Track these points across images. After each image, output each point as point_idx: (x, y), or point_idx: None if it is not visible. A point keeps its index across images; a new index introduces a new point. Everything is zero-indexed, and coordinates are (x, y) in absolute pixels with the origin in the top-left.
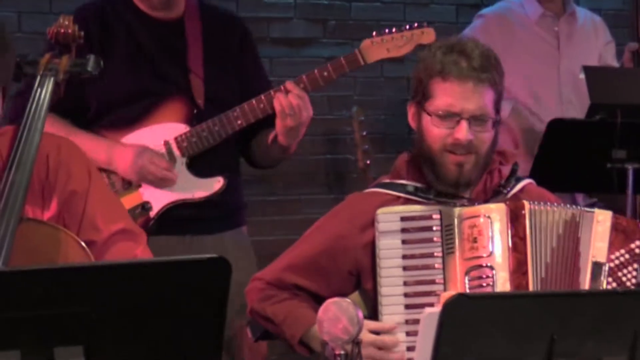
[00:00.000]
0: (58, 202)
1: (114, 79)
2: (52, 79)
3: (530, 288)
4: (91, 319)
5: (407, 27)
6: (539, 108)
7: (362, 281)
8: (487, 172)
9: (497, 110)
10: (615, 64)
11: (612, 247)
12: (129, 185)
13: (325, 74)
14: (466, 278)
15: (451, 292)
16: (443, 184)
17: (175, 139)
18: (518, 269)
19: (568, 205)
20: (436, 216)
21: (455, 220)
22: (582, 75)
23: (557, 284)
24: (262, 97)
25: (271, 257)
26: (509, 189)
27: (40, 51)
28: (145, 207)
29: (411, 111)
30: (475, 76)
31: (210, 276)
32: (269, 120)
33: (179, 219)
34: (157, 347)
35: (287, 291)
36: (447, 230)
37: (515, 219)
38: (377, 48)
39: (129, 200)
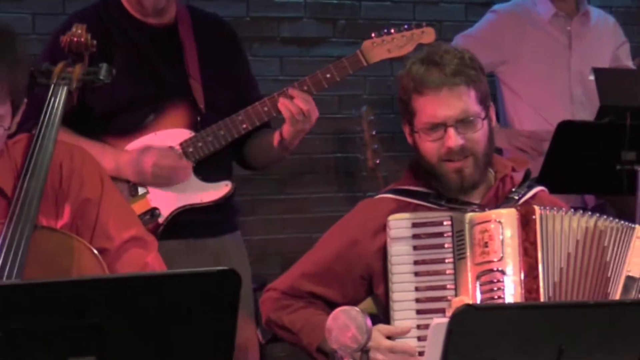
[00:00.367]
0: (71, 209)
1: (116, 85)
2: (65, 88)
3: (541, 292)
4: (103, 330)
5: (406, 26)
6: (549, 108)
7: (373, 286)
8: (500, 179)
9: (486, 105)
10: (630, 64)
11: None
12: (136, 193)
13: (329, 75)
14: (477, 283)
15: (462, 297)
16: (450, 192)
17: (181, 144)
18: (529, 273)
19: (590, 213)
20: (447, 222)
21: (467, 226)
22: (591, 77)
23: (573, 289)
24: (267, 100)
25: (280, 255)
26: (520, 195)
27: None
28: (154, 213)
29: (406, 131)
30: (448, 82)
31: (221, 288)
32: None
33: (184, 224)
34: (168, 358)
35: (302, 300)
36: (458, 236)
37: (526, 223)
38: (378, 49)
39: (137, 208)
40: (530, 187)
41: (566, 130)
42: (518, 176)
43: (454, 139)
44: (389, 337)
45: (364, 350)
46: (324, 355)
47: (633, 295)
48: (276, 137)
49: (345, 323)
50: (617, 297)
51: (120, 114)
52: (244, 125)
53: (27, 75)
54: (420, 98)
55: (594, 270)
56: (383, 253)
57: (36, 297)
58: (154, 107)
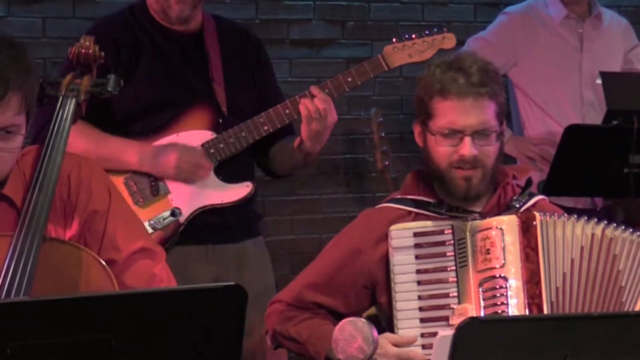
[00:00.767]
0: (79, 221)
1: (141, 88)
2: (73, 100)
3: (544, 297)
4: (111, 345)
5: (427, 32)
6: (559, 110)
7: (376, 295)
8: (501, 186)
9: (501, 121)
10: None
11: None
12: (157, 192)
13: (350, 79)
14: (480, 290)
15: (465, 305)
16: (453, 199)
17: (202, 145)
18: (531, 278)
19: (596, 220)
20: (448, 231)
21: (468, 234)
22: (599, 81)
23: (578, 295)
24: (288, 102)
25: (290, 256)
26: (521, 203)
27: (64, 54)
28: (174, 213)
29: (417, 131)
30: (474, 91)
31: (227, 303)
32: (288, 128)
33: (203, 227)
34: None
35: (307, 311)
36: (459, 244)
37: (526, 229)
38: (399, 54)
39: (159, 207)
40: (531, 196)
41: (574, 134)
42: (520, 184)
43: (469, 148)
44: (395, 346)
45: None
46: None
47: None
48: (297, 140)
49: (351, 334)
50: (638, 308)
51: (145, 115)
52: (265, 127)
53: (38, 86)
54: (443, 102)
55: (603, 277)
56: (385, 262)
57: (45, 314)
58: (177, 109)
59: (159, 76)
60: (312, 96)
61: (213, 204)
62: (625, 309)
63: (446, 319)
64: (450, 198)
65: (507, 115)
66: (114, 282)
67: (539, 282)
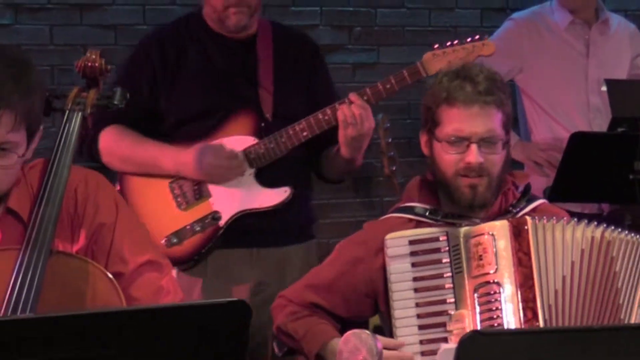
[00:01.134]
0: (86, 234)
1: (188, 95)
2: (79, 114)
3: (538, 301)
4: None
5: (469, 39)
6: (566, 115)
7: (378, 304)
8: (502, 193)
9: (507, 130)
10: None
11: None
12: (200, 196)
13: (388, 86)
14: (475, 295)
15: (462, 311)
16: (459, 207)
17: (244, 150)
18: (524, 283)
19: (596, 223)
20: (443, 237)
21: (462, 240)
22: (604, 88)
23: (579, 298)
24: (327, 109)
25: None
26: (518, 209)
27: (71, 61)
28: (214, 216)
29: (423, 139)
30: (480, 99)
31: (231, 319)
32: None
33: (245, 231)
34: None
35: (307, 308)
36: (454, 250)
37: (518, 234)
38: (438, 60)
39: (200, 210)
40: (530, 201)
41: (579, 141)
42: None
43: (475, 155)
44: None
45: None
46: None
47: None
48: (336, 147)
49: (356, 346)
50: (635, 310)
51: (192, 121)
52: (305, 133)
53: (43, 102)
54: (450, 109)
55: (601, 279)
56: (385, 271)
57: (50, 331)
58: (222, 115)
59: (205, 83)
60: (350, 103)
61: (251, 208)
62: (622, 311)
63: (444, 325)
64: (455, 206)
65: (514, 120)
66: (121, 295)
67: (532, 286)
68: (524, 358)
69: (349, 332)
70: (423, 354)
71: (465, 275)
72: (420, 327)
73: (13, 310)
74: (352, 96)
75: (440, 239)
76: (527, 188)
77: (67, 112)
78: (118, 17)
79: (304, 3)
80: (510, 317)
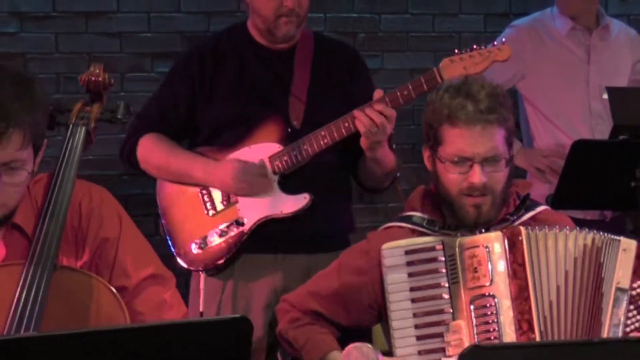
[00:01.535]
0: (90, 249)
1: (222, 105)
2: (83, 128)
3: (534, 313)
4: None
5: (485, 45)
6: (568, 122)
7: (383, 315)
8: (505, 205)
9: (510, 144)
10: None
11: (635, 275)
12: (228, 202)
13: (406, 92)
14: (471, 307)
15: (459, 322)
16: (462, 224)
17: (269, 157)
18: (519, 295)
19: (587, 230)
20: (439, 247)
21: (457, 250)
22: (605, 96)
23: (573, 307)
24: (348, 117)
25: None
26: (516, 217)
27: (77, 69)
28: (239, 222)
29: (426, 154)
30: (483, 119)
31: (233, 336)
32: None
33: (271, 236)
34: None
35: (308, 316)
36: (450, 260)
37: (512, 245)
38: (455, 66)
39: (227, 216)
40: (529, 209)
41: (581, 148)
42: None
43: (478, 175)
44: None
45: None
46: None
47: (624, 307)
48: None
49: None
50: (609, 310)
51: (226, 129)
52: (325, 140)
53: (47, 117)
54: (452, 129)
55: (592, 287)
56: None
57: (52, 349)
58: (252, 123)
59: (238, 92)
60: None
61: (273, 214)
62: (602, 315)
63: (442, 335)
64: (459, 224)
65: (517, 127)
66: (124, 309)
67: (528, 298)
68: None
69: (351, 346)
70: None
71: (462, 286)
72: (418, 338)
73: (18, 324)
74: (376, 104)
75: (436, 248)
76: (526, 197)
77: (71, 126)
78: (123, 24)
79: (308, 10)
80: (506, 330)
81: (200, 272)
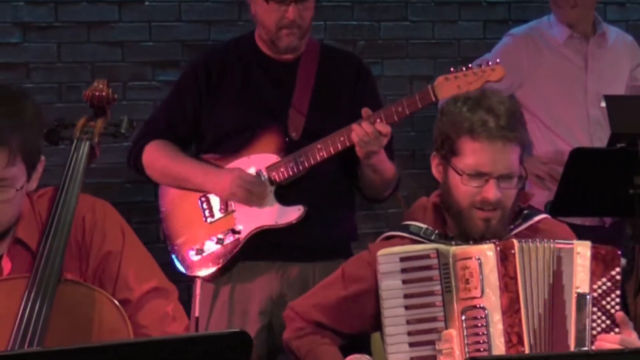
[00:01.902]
0: (94, 262)
1: (225, 113)
2: (87, 143)
3: (524, 326)
4: None
5: (480, 65)
6: (566, 129)
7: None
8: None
9: (521, 160)
10: None
11: (594, 276)
12: (226, 210)
13: (400, 109)
14: (462, 317)
15: (451, 331)
16: (469, 236)
17: (267, 168)
18: (510, 308)
19: (552, 240)
20: (433, 255)
21: (450, 260)
22: (603, 104)
23: (550, 321)
24: (344, 130)
25: None
26: (512, 227)
27: (79, 79)
28: (235, 230)
29: (435, 162)
30: (504, 135)
31: (233, 349)
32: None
33: (268, 245)
34: None
35: (311, 326)
36: (444, 268)
37: (504, 258)
38: (449, 85)
39: (224, 224)
40: (527, 218)
41: (579, 156)
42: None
43: (494, 191)
44: None
45: None
46: None
47: (587, 311)
48: None
49: None
50: (573, 317)
51: (227, 138)
52: (321, 153)
53: (41, 135)
54: (472, 143)
55: (559, 296)
56: None
57: None
58: (252, 133)
59: (240, 102)
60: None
61: (268, 225)
62: (567, 322)
63: (434, 343)
64: (466, 236)
65: None
66: (127, 322)
67: (518, 311)
68: None
69: (350, 357)
70: None
71: (454, 295)
72: (411, 345)
73: (22, 338)
74: (364, 112)
75: (431, 256)
76: (523, 208)
77: (75, 141)
78: (124, 34)
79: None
80: (496, 342)
81: (197, 278)
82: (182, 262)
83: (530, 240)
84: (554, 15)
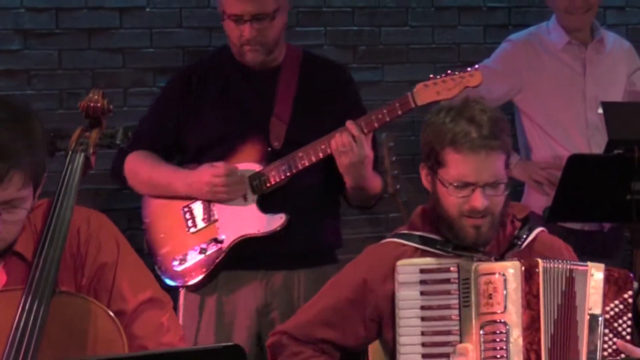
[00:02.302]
0: (89, 274)
1: (207, 123)
2: (82, 154)
3: (542, 344)
4: None
5: (458, 71)
6: (565, 134)
7: (383, 330)
8: (501, 225)
9: (507, 167)
10: None
11: (607, 298)
12: (208, 219)
13: (380, 116)
14: (481, 332)
15: (466, 345)
16: (462, 243)
17: (249, 177)
18: (531, 325)
19: (564, 261)
20: (454, 269)
21: (472, 275)
22: (600, 111)
23: (563, 341)
24: (325, 139)
25: None
26: (522, 240)
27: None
28: (217, 239)
29: (424, 172)
30: (487, 145)
31: None
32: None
33: (252, 254)
34: None
35: (311, 345)
36: (464, 283)
37: (529, 277)
38: (428, 91)
39: (207, 233)
40: (531, 230)
41: (577, 163)
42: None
43: (480, 200)
44: None
45: None
46: None
47: (599, 332)
48: None
49: None
50: (585, 337)
51: (211, 148)
52: (303, 161)
53: (46, 153)
54: (456, 154)
55: (572, 317)
56: (392, 298)
57: None
58: (234, 143)
59: (222, 112)
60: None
61: (250, 233)
62: (578, 343)
63: (447, 355)
64: (458, 242)
65: (514, 138)
66: (122, 333)
67: (539, 329)
68: None
69: None
70: None
71: (473, 310)
72: (424, 356)
73: (17, 349)
74: (349, 124)
75: (451, 269)
76: (527, 219)
77: (71, 152)
78: (125, 40)
79: (308, 23)
80: (514, 358)
81: (181, 288)
82: (166, 273)
83: (552, 260)
84: (558, 21)
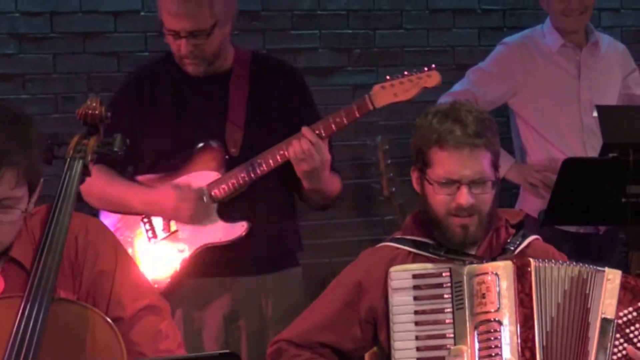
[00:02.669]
0: (87, 281)
1: (161, 132)
2: (80, 161)
3: (536, 341)
4: None
5: (415, 71)
6: (560, 137)
7: (377, 331)
8: (494, 229)
9: (496, 168)
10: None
11: (621, 304)
12: (168, 229)
13: (338, 119)
14: (476, 332)
15: (461, 347)
16: (451, 243)
17: (208, 185)
18: (525, 323)
19: (574, 263)
20: (446, 274)
21: (465, 278)
22: (595, 114)
23: (562, 338)
24: (283, 144)
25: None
26: (515, 245)
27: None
28: (180, 249)
29: (414, 176)
30: (470, 142)
31: None
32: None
33: (216, 261)
34: None
35: (310, 350)
36: (456, 287)
37: (521, 275)
38: (385, 93)
39: (168, 243)
40: (524, 237)
41: (572, 166)
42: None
43: (465, 197)
44: None
45: None
46: None
47: (610, 336)
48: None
49: None
50: (596, 339)
51: (165, 158)
52: (263, 167)
53: (43, 156)
54: (441, 152)
55: (579, 317)
56: (386, 300)
57: None
58: (191, 151)
59: (176, 120)
60: (302, 137)
61: (212, 242)
62: (588, 344)
63: (442, 359)
64: (448, 243)
65: (509, 141)
66: (120, 340)
67: (532, 327)
68: None
69: None
70: None
71: (467, 312)
72: None
73: (16, 357)
74: (304, 130)
75: (444, 274)
76: (521, 224)
77: (69, 160)
78: (120, 44)
79: (303, 26)
80: (509, 356)
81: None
82: None
83: (546, 260)
84: (553, 24)
